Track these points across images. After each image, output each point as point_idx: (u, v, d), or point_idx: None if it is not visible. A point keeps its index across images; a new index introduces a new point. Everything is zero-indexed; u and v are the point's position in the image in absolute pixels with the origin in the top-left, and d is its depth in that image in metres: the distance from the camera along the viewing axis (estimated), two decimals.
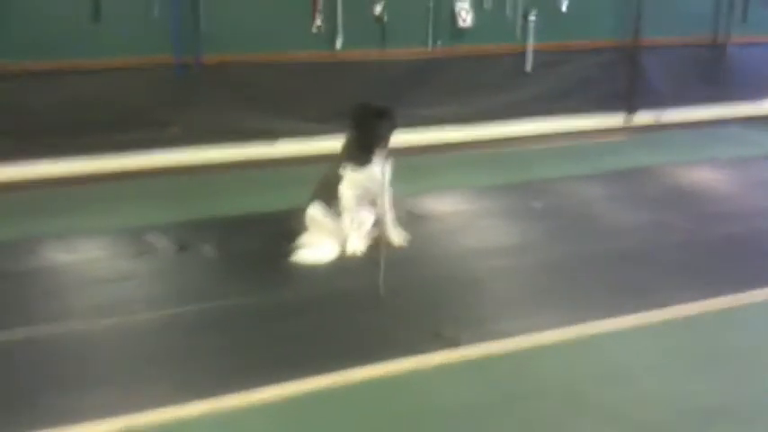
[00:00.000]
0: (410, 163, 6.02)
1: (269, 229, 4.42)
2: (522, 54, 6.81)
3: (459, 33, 6.60)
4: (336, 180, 4.08)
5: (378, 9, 6.26)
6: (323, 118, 6.25)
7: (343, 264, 4.03)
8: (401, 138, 6.27)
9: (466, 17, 6.55)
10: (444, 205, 5.04)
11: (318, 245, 4.08)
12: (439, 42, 6.55)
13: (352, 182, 4.07)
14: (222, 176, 5.71)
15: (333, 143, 5.80)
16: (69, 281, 3.81)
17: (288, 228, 4.20)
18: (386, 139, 4.08)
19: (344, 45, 6.22)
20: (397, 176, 5.54)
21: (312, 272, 3.94)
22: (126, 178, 5.54)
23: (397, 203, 4.35)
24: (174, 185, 5.49)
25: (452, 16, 6.53)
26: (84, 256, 4.10)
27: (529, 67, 6.86)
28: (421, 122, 6.55)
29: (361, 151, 4.05)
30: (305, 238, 4.13)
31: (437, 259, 4.13)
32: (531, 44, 6.80)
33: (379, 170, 4.09)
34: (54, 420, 2.64)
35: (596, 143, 6.80)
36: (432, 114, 6.62)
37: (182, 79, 5.79)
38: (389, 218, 4.23)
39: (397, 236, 4.23)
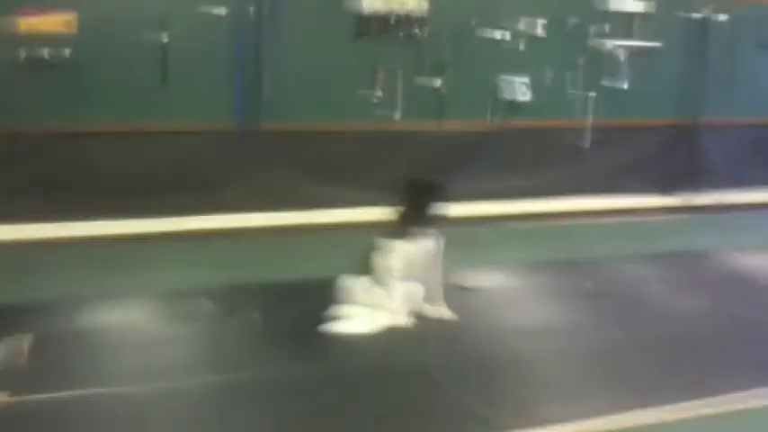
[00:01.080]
0: (463, 236, 6.00)
1: (318, 296, 4.40)
2: (581, 130, 6.81)
3: (516, 107, 6.66)
4: (383, 251, 4.09)
5: (437, 82, 6.37)
6: (380, 187, 6.32)
7: (388, 337, 3.98)
8: (455, 209, 6.35)
9: (524, 91, 6.62)
10: (495, 280, 4.98)
11: (360, 316, 4.06)
12: (497, 116, 6.62)
13: (400, 254, 4.07)
14: (277, 241, 5.76)
15: (388, 212, 6.03)
16: (110, 343, 3.83)
17: (335, 297, 4.21)
18: (436, 212, 4.09)
19: (403, 116, 6.34)
20: (450, 249, 5.53)
21: (353, 344, 3.90)
22: (183, 240, 5.64)
23: (446, 277, 4.33)
24: (228, 249, 5.55)
25: (511, 90, 6.57)
26: (127, 318, 4.16)
27: (587, 142, 6.86)
28: (477, 195, 6.56)
29: (411, 224, 4.07)
30: (348, 309, 4.13)
31: (485, 337, 4.06)
32: (590, 120, 6.81)
33: (429, 244, 4.10)
34: None
35: (652, 223, 6.68)
36: (488, 187, 6.61)
37: (243, 145, 5.97)
38: (438, 292, 4.21)
39: (444, 311, 4.19)
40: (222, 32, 5.79)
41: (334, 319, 4.04)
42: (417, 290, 4.17)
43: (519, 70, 6.58)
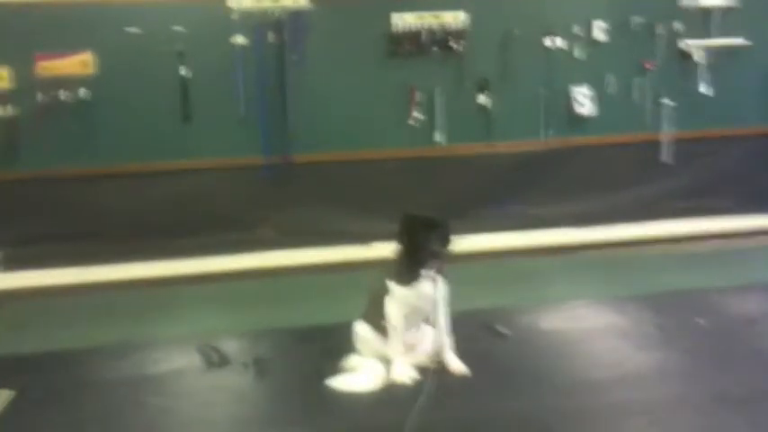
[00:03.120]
0: (514, 268, 5.42)
1: (334, 342, 3.91)
2: (654, 144, 5.98)
3: (576, 122, 5.93)
4: (385, 295, 3.55)
5: (482, 98, 5.77)
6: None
7: (389, 394, 3.43)
8: (507, 239, 5.74)
9: (584, 103, 5.89)
10: (543, 321, 4.26)
11: (363, 370, 3.54)
12: (552, 132, 5.92)
13: (399, 299, 3.52)
14: (310, 279, 5.33)
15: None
16: (113, 399, 3.52)
17: (345, 344, 3.72)
18: (437, 252, 3.51)
19: (445, 139, 5.78)
20: (493, 284, 4.97)
21: (351, 402, 3.37)
22: (211, 280, 5.31)
23: (475, 318, 3.73)
24: (256, 289, 5.19)
25: (568, 103, 5.90)
26: (133, 368, 3.85)
27: (664, 158, 6.01)
28: (532, 223, 5.91)
29: (409, 266, 3.51)
30: (353, 360, 3.62)
31: (498, 393, 3.41)
32: (665, 133, 5.97)
33: (430, 287, 3.52)
34: None
35: (743, 248, 5.69)
36: (545, 213, 5.93)
37: (270, 179, 5.60)
38: (445, 341, 3.61)
39: (453, 362, 3.59)
40: (244, 62, 5.49)
41: (338, 371, 3.54)
42: (423, 338, 3.61)
43: (577, 80, 5.86)
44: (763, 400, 3.17)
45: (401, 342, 3.55)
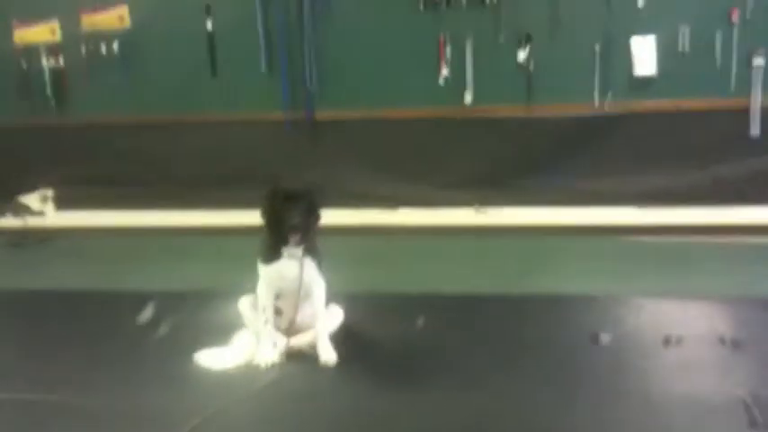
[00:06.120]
0: (544, 248, 4.76)
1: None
2: (740, 113, 4.85)
3: (639, 84, 4.99)
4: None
5: (522, 55, 5.06)
6: (448, 184, 5.31)
7: (245, 375, 3.18)
8: (542, 215, 5.03)
9: (650, 60, 4.91)
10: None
11: (233, 346, 3.33)
12: (610, 95, 5.04)
13: (263, 278, 3.24)
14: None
15: (460, 214, 5.09)
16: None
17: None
18: (301, 228, 3.15)
19: (477, 99, 5.18)
20: (520, 265, 4.43)
21: (209, 380, 3.19)
22: (225, 234, 5.34)
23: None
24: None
25: (630, 60, 4.97)
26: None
27: (753, 131, 4.86)
28: (580, 198, 5.13)
29: (269, 243, 3.20)
30: (238, 335, 3.43)
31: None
32: (755, 100, 4.81)
33: (292, 266, 3.18)
34: None
35: None
36: (594, 189, 5.12)
37: (292, 135, 5.44)
38: (320, 326, 3.26)
39: (325, 350, 3.24)
40: (267, 15, 5.33)
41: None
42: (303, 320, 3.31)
43: (642, 32, 4.91)
44: None
45: (270, 322, 3.27)
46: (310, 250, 3.23)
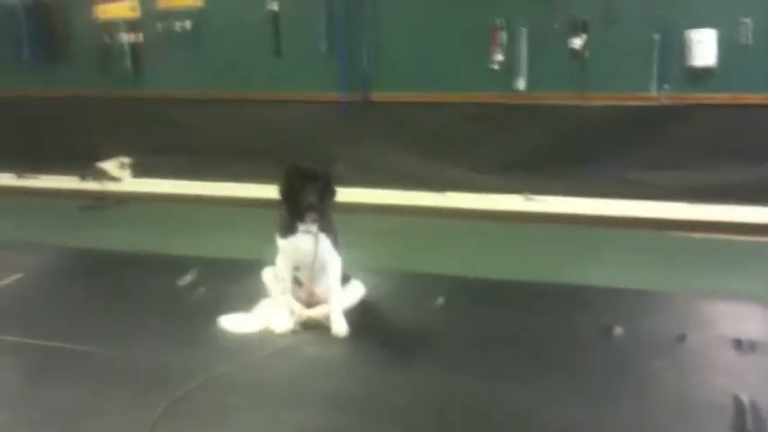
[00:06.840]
0: (589, 239, 4.75)
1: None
2: None
3: (698, 76, 4.83)
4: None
5: (577, 42, 4.99)
6: (498, 170, 5.33)
7: (260, 340, 3.37)
8: (590, 206, 4.97)
9: (710, 52, 4.75)
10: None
11: (254, 313, 3.54)
12: (667, 86, 4.91)
13: (282, 252, 3.42)
14: (373, 221, 5.19)
15: (508, 200, 5.14)
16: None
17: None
18: (316, 207, 3.30)
19: (530, 86, 5.15)
20: (560, 255, 4.44)
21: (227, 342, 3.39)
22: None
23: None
24: None
25: (689, 51, 4.82)
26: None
27: None
28: (626, 191, 5.06)
29: (287, 219, 3.36)
30: (262, 303, 3.64)
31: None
32: None
33: (307, 241, 3.34)
34: None
35: None
36: (645, 181, 5.04)
37: (347, 116, 5.58)
38: (333, 299, 3.41)
39: (337, 322, 3.39)
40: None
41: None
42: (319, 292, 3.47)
43: (702, 23, 4.75)
44: None
45: (288, 292, 3.46)
46: (325, 227, 3.39)
